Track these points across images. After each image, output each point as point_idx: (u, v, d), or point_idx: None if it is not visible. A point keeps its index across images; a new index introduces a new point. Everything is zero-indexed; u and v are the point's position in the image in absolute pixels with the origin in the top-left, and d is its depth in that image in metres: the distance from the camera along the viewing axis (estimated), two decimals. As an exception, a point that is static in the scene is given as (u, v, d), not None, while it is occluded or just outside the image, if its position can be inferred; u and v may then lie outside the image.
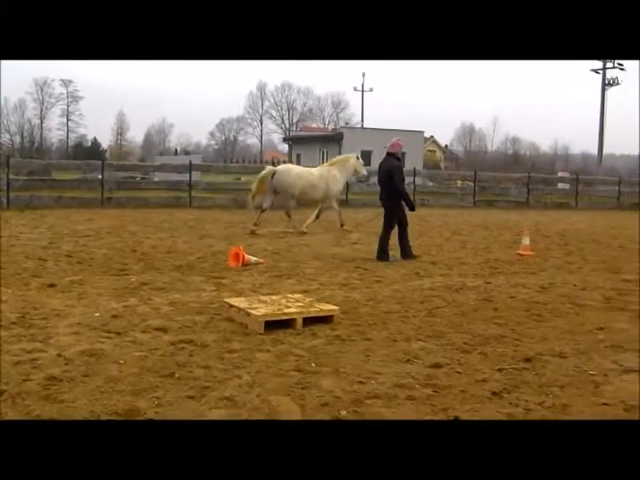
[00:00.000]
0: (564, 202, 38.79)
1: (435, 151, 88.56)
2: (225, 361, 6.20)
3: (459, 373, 6.07)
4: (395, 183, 13.24)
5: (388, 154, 13.74)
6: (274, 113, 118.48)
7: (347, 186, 27.52)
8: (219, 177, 36.32)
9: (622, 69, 56.48)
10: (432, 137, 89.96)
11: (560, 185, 43.06)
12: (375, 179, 16.94)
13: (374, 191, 18.20)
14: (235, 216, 23.27)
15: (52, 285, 9.58)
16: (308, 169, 20.12)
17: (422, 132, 57.45)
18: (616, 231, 22.60)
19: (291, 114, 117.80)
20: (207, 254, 13.47)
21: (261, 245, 15.38)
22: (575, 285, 10.87)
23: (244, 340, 6.95)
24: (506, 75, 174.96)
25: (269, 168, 19.86)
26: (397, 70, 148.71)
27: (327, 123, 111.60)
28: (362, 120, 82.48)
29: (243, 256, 11.92)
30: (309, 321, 7.55)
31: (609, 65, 55.84)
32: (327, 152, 53.17)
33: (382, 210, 13.74)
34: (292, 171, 19.00)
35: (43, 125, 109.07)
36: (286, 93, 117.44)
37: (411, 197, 14.26)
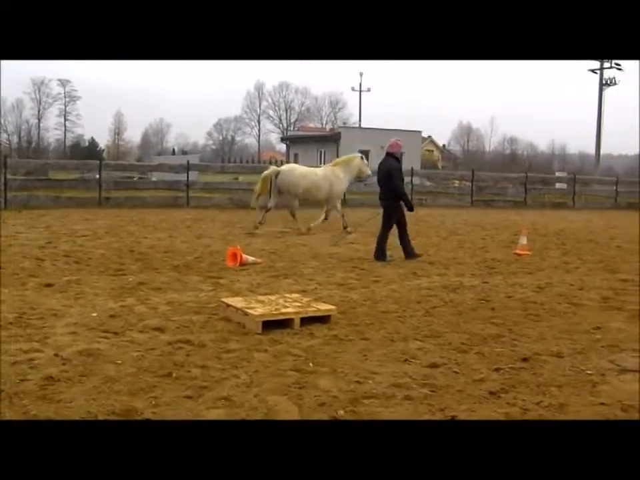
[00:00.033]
0: (561, 202, 38.85)
1: (432, 151, 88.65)
2: (222, 361, 6.20)
3: (456, 372, 6.07)
4: (394, 183, 13.24)
5: (387, 154, 13.74)
6: (271, 112, 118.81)
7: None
8: (217, 176, 36.21)
9: (619, 69, 56.64)
10: (430, 136, 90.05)
11: (557, 185, 43.12)
12: (372, 179, 16.99)
13: (371, 191, 18.23)
14: (232, 216, 23.27)
15: (49, 285, 9.57)
16: (312, 169, 20.13)
17: (420, 132, 57.50)
18: (613, 230, 22.62)
19: (288, 114, 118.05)
20: (204, 254, 13.47)
21: (259, 244, 15.38)
22: (572, 285, 10.88)
23: (241, 340, 6.95)
24: (503, 75, 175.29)
25: (272, 168, 19.88)
26: (394, 70, 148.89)
27: (324, 122, 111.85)
28: (359, 120, 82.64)
29: (241, 256, 11.92)
30: (307, 321, 7.54)
31: (607, 65, 55.89)
32: (324, 152, 53.21)
33: (380, 210, 13.75)
34: (296, 171, 19.00)
35: (41, 124, 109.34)
36: (284, 92, 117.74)
37: (409, 197, 14.24)
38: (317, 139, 58.37)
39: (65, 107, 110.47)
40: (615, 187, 40.80)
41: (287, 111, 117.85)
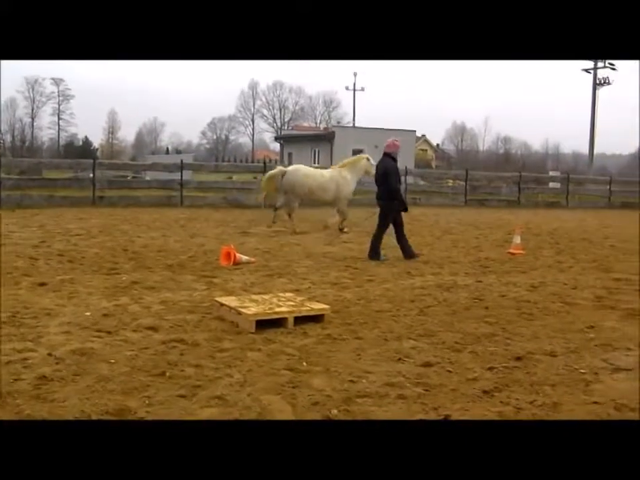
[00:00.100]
0: (555, 201, 38.91)
1: (426, 150, 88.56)
2: (216, 360, 6.20)
3: (449, 371, 6.08)
4: (390, 182, 13.26)
5: (385, 154, 13.76)
6: (265, 112, 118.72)
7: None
8: (211, 176, 36.18)
9: (613, 69, 56.62)
10: (424, 136, 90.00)
11: (551, 184, 43.13)
12: (369, 179, 17.04)
13: (368, 190, 18.23)
14: (226, 215, 23.27)
15: (43, 284, 9.56)
16: (319, 170, 20.17)
17: (414, 131, 57.48)
18: (607, 230, 22.66)
19: (282, 113, 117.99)
20: (198, 253, 13.46)
21: (253, 243, 15.38)
22: (565, 284, 10.90)
23: (235, 339, 6.95)
24: (497, 75, 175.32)
25: (279, 168, 19.89)
26: (388, 69, 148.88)
27: (318, 122, 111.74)
28: (353, 119, 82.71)
29: (235, 255, 11.92)
30: (300, 320, 7.55)
31: (600, 64, 55.95)
32: (318, 151, 53.20)
33: (377, 209, 13.77)
34: (300, 171, 19.00)
35: (34, 123, 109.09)
36: (278, 91, 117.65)
37: (403, 196, 14.25)
38: (310, 138, 58.31)
39: (59, 105, 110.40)
40: (608, 187, 40.88)
41: (281, 110, 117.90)
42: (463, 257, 14.15)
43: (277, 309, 7.56)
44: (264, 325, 7.31)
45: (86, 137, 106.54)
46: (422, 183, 39.64)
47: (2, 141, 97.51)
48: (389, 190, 13.28)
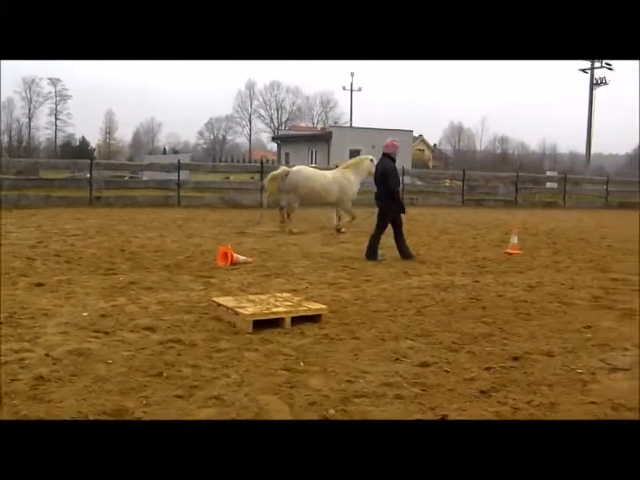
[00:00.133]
0: (552, 201, 38.92)
1: (423, 150, 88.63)
2: (213, 360, 6.20)
3: (447, 371, 6.08)
4: (388, 183, 13.28)
5: (383, 154, 13.78)
6: (263, 112, 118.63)
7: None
8: (208, 176, 36.17)
9: (610, 69, 56.67)
10: (421, 136, 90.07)
11: (548, 184, 43.16)
12: (368, 179, 17.08)
13: (368, 190, 18.26)
14: (223, 215, 23.27)
15: (40, 285, 9.55)
16: (322, 171, 20.17)
17: (411, 131, 57.50)
18: (604, 230, 22.68)
19: (279, 113, 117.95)
20: (195, 253, 13.46)
21: (250, 244, 15.38)
22: (562, 284, 10.91)
23: (232, 339, 6.95)
24: (495, 75, 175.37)
25: (282, 168, 19.89)
26: (385, 69, 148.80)
27: (315, 122, 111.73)
28: (351, 119, 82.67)
29: (232, 255, 11.92)
30: (298, 320, 7.55)
31: (597, 64, 55.99)
32: (315, 151, 53.21)
33: (375, 209, 13.78)
34: (302, 172, 19.02)
35: (31, 123, 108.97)
36: (275, 92, 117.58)
37: (400, 196, 14.24)
38: (308, 138, 58.29)
39: (56, 105, 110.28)
40: (605, 187, 40.89)
41: (278, 110, 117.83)
42: (460, 257, 14.16)
43: (274, 309, 7.56)
44: (261, 325, 7.30)
45: (83, 137, 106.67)
46: (419, 183, 39.64)
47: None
48: (387, 190, 13.30)
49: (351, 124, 76.67)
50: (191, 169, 36.05)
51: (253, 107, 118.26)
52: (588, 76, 57.19)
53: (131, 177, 40.37)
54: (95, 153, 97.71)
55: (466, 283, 10.78)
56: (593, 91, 57.04)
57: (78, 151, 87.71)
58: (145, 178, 37.23)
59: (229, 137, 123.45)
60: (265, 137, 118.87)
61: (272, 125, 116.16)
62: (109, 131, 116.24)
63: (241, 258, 12.21)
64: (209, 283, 10.16)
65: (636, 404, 5.26)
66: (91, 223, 19.17)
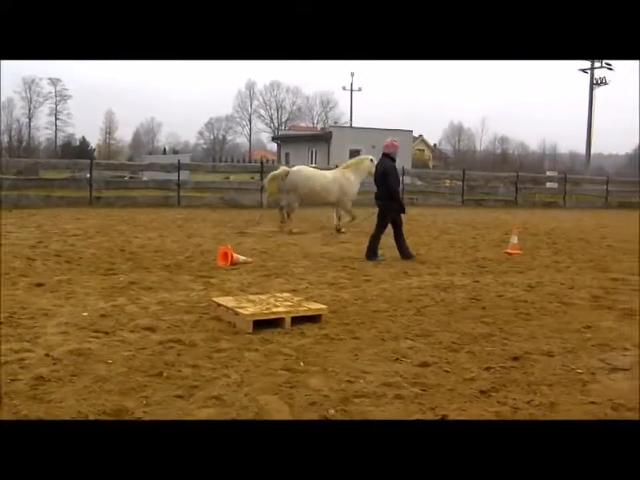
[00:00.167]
0: (552, 201, 38.93)
1: (423, 150, 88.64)
2: (213, 360, 6.20)
3: (447, 371, 6.08)
4: (388, 183, 13.28)
5: (384, 154, 13.78)
6: (263, 112, 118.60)
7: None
8: (208, 176, 36.17)
9: (610, 69, 56.66)
10: (421, 136, 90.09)
11: (548, 184, 43.17)
12: (368, 179, 17.09)
13: (367, 190, 18.27)
14: (223, 215, 23.27)
15: (40, 285, 9.55)
16: (322, 171, 20.17)
17: (411, 131, 57.48)
18: (604, 230, 22.68)
19: (279, 113, 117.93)
20: (195, 253, 13.46)
21: (250, 244, 15.38)
22: (562, 284, 10.91)
23: (232, 339, 6.95)
24: (495, 75, 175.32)
25: (282, 168, 19.88)
26: (385, 69, 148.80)
27: (315, 122, 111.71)
28: (351, 119, 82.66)
29: (232, 255, 11.92)
30: (298, 320, 7.55)
31: (597, 64, 55.98)
32: (315, 151, 53.20)
33: (375, 209, 13.78)
34: (302, 172, 19.02)
35: (31, 123, 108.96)
36: (275, 92, 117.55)
37: (400, 196, 14.23)
38: (308, 138, 58.29)
39: (56, 105, 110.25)
40: (605, 187, 40.90)
41: (278, 110, 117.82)
42: (460, 257, 14.16)
43: (274, 309, 7.56)
44: (261, 325, 7.31)
45: (83, 137, 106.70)
46: (419, 183, 39.64)
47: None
48: (387, 190, 13.30)
49: (351, 124, 76.68)
50: (191, 169, 36.07)
51: (253, 107, 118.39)
52: (588, 76, 57.21)
53: (130, 177, 40.36)
54: (95, 153, 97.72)
55: (466, 283, 10.78)
56: (593, 91, 57.04)
57: (78, 151, 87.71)
58: (144, 178, 37.21)
59: (228, 137, 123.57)
60: (265, 137, 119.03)
61: (272, 125, 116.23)
62: (109, 131, 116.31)
63: (241, 258, 12.22)
64: (209, 283, 10.17)
65: (636, 404, 5.26)
66: (91, 223, 19.17)
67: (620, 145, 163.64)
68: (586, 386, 5.77)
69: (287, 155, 57.88)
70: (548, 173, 58.42)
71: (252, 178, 35.29)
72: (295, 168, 19.72)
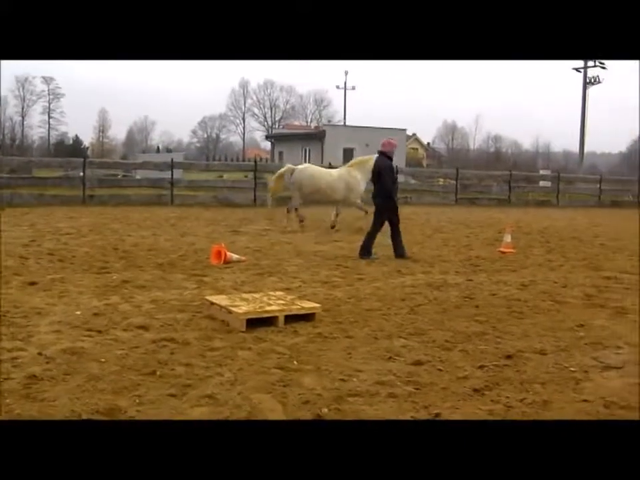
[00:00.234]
0: (545, 200, 38.99)
1: (417, 149, 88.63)
2: (206, 359, 6.20)
3: (440, 370, 6.09)
4: (383, 182, 13.30)
5: (380, 153, 13.78)
6: (256, 110, 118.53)
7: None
8: (201, 174, 36.15)
9: (603, 68, 56.75)
10: (414, 134, 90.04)
11: (541, 183, 43.21)
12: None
13: (366, 189, 18.30)
14: (216, 214, 23.25)
15: (33, 283, 9.53)
16: (327, 169, 20.17)
17: (404, 130, 57.47)
18: (597, 228, 22.72)
19: (273, 112, 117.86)
20: (188, 252, 13.45)
21: (243, 242, 15.37)
22: (555, 282, 10.93)
23: (225, 338, 6.95)
24: (488, 74, 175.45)
25: (288, 166, 19.85)
26: (379, 68, 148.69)
27: (309, 120, 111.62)
28: (344, 118, 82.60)
29: (225, 253, 11.92)
30: (291, 319, 7.55)
31: (590, 63, 56.05)
32: (309, 150, 53.16)
33: (372, 208, 13.79)
34: (307, 171, 19.00)
35: (24, 122, 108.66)
36: (268, 90, 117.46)
37: (394, 195, 14.23)
38: (301, 136, 58.25)
39: (49, 104, 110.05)
40: (598, 185, 40.98)
41: (271, 108, 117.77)
42: (454, 256, 14.17)
43: (268, 308, 7.57)
44: (254, 323, 7.31)
45: (76, 135, 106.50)
46: (413, 181, 39.65)
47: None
48: (384, 189, 13.31)
49: (344, 122, 76.71)
50: (184, 167, 36.02)
51: (247, 105, 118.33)
52: (581, 75, 57.29)
53: (124, 176, 40.35)
54: (88, 152, 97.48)
55: (459, 281, 10.79)
56: (586, 90, 57.12)
57: (71, 150, 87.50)
58: (138, 176, 37.22)
59: (222, 136, 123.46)
60: (259, 135, 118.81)
61: (266, 123, 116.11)
62: (102, 129, 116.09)
63: (235, 256, 12.21)
64: (202, 281, 10.16)
65: (628, 402, 5.28)
66: (84, 221, 19.14)
67: (613, 143, 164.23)
68: (579, 384, 5.79)
69: (280, 153, 57.87)
70: (541, 172, 58.48)
71: (245, 177, 35.24)
72: (300, 166, 19.70)
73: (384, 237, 13.63)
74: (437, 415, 4.96)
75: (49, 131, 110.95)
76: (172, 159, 31.12)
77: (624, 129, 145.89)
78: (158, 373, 5.74)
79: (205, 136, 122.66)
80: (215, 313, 7.77)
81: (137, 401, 5.09)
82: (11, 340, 6.57)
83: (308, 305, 7.92)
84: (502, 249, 15.00)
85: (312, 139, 54.46)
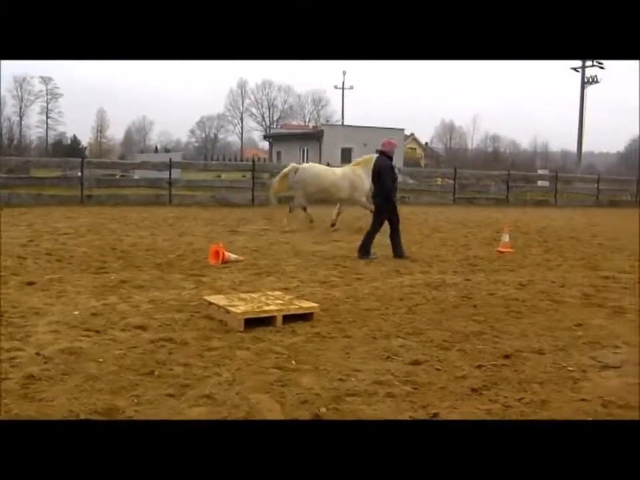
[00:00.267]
0: (543, 199, 39.02)
1: (415, 149, 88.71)
2: (204, 359, 6.20)
3: (438, 369, 6.09)
4: (383, 181, 13.31)
5: (380, 152, 13.80)
6: (254, 110, 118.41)
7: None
8: (199, 174, 36.15)
9: (601, 68, 56.70)
10: (412, 134, 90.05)
11: (539, 183, 43.20)
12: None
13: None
14: (215, 214, 23.24)
15: (31, 283, 9.53)
16: (332, 168, 20.15)
17: (402, 129, 57.42)
18: (595, 228, 22.73)
19: (271, 111, 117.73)
20: (186, 252, 13.44)
21: (241, 242, 15.37)
22: (553, 282, 10.93)
23: (224, 337, 6.95)
24: (486, 73, 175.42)
25: (292, 165, 19.84)
26: (377, 68, 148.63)
27: (307, 120, 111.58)
28: (342, 117, 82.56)
29: (223, 253, 11.91)
30: (289, 319, 7.55)
31: (588, 63, 56.04)
32: (307, 149, 53.14)
33: (372, 207, 13.81)
34: (312, 169, 19.00)
35: (22, 122, 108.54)
36: (266, 90, 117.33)
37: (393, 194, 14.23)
38: (299, 136, 58.22)
39: (47, 104, 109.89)
40: (596, 185, 41.02)
41: (269, 108, 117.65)
42: (452, 256, 14.18)
43: (266, 308, 7.56)
44: (253, 323, 7.30)
45: (74, 135, 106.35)
46: (411, 181, 39.64)
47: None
48: (383, 188, 13.33)
49: (342, 122, 76.65)
50: (182, 167, 36.01)
51: (245, 105, 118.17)
52: (579, 74, 57.27)
53: (122, 176, 40.37)
54: (87, 152, 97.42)
55: (457, 281, 10.80)
56: (584, 90, 57.12)
57: (69, 150, 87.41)
58: (136, 176, 37.21)
59: (220, 136, 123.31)
60: (257, 135, 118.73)
61: (264, 123, 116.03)
62: (100, 129, 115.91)
63: (233, 256, 12.21)
64: (200, 281, 10.16)
65: (626, 401, 5.28)
66: (82, 221, 19.13)
67: (611, 143, 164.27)
68: (577, 383, 5.79)
69: (278, 153, 57.85)
70: (539, 171, 58.44)
71: (243, 176, 35.25)
72: (304, 165, 19.67)
73: (383, 237, 13.63)
74: (435, 414, 4.96)
75: (46, 131, 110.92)
76: (170, 159, 31.06)
77: (622, 128, 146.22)
78: (156, 372, 5.74)
79: (203, 136, 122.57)
80: (213, 313, 7.77)
81: (135, 400, 5.09)
82: (8, 340, 6.56)
83: (306, 305, 7.92)
84: (500, 249, 15.00)
85: (310, 138, 54.43)
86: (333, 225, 18.57)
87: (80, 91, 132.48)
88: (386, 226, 13.45)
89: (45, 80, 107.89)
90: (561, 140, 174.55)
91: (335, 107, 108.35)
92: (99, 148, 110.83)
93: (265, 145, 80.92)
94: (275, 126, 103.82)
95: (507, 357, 6.51)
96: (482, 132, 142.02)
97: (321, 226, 18.95)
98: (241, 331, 7.13)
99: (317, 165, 20.69)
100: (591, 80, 56.94)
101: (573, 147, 63.44)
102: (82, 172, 27.41)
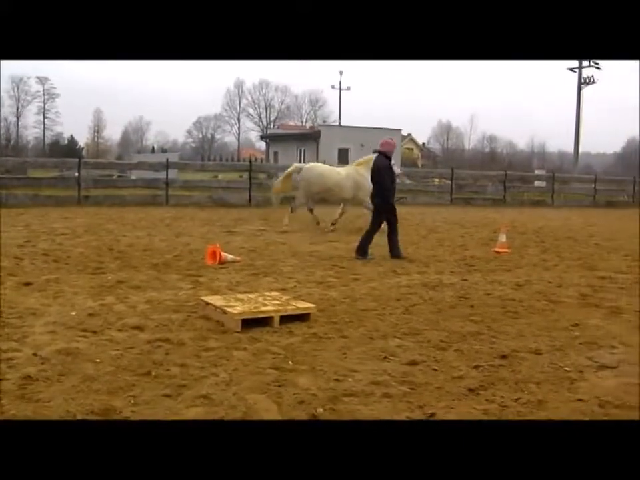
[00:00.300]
0: (540, 199, 38.99)
1: (412, 149, 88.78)
2: (201, 359, 6.20)
3: (435, 370, 6.09)
4: (382, 182, 13.31)
5: (379, 152, 13.82)
6: (251, 110, 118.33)
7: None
8: (196, 174, 36.14)
9: (598, 68, 56.76)
10: (409, 134, 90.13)
11: (536, 183, 43.24)
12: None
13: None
14: (211, 214, 23.23)
15: (28, 284, 9.52)
16: (336, 168, 20.13)
17: (399, 130, 57.49)
18: (592, 228, 22.75)
19: (268, 112, 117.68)
20: (183, 252, 13.43)
21: (238, 242, 15.36)
22: (550, 282, 10.94)
23: (220, 338, 6.95)
24: (483, 73, 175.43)
25: (295, 165, 19.81)
26: (374, 68, 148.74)
27: (304, 120, 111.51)
28: (339, 118, 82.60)
29: (220, 254, 11.91)
30: (286, 319, 7.55)
31: (585, 63, 56.10)
32: (304, 150, 53.17)
33: (372, 207, 13.81)
34: (316, 169, 18.95)
35: (19, 122, 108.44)
36: (263, 90, 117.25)
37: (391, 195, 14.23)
38: (296, 137, 58.27)
39: (44, 104, 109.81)
40: (593, 185, 41.04)
41: (266, 109, 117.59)
42: (449, 256, 14.18)
43: (263, 308, 7.56)
44: (249, 323, 7.30)
45: (71, 135, 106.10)
46: (408, 181, 39.60)
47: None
48: (382, 188, 13.34)
49: (339, 122, 76.73)
50: (179, 167, 35.99)
51: (242, 105, 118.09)
52: (576, 75, 57.33)
53: (119, 176, 40.31)
54: (83, 152, 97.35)
55: (454, 281, 10.80)
56: (581, 90, 57.17)
57: (66, 150, 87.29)
58: (133, 177, 37.11)
59: (217, 136, 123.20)
60: (254, 135, 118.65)
61: (261, 123, 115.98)
62: (97, 129, 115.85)
63: (230, 257, 12.21)
64: (197, 281, 10.16)
65: (622, 401, 5.29)
66: (79, 222, 19.10)
67: (608, 144, 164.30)
68: (573, 384, 5.79)
69: (275, 153, 57.91)
70: (536, 172, 58.60)
71: (240, 177, 35.23)
72: (308, 165, 19.66)
73: (381, 237, 13.64)
74: (432, 414, 4.97)
75: (43, 131, 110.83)
76: (167, 159, 30.99)
77: (619, 129, 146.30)
78: (153, 373, 5.74)
79: (200, 136, 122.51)
80: (210, 314, 7.76)
81: (132, 401, 5.09)
82: (5, 341, 6.56)
83: (303, 305, 7.92)
84: (497, 249, 15.01)
85: (307, 139, 54.49)
86: (333, 225, 18.55)
87: (79, 91, 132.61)
88: (385, 226, 13.46)
89: (42, 80, 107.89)
90: (558, 140, 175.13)
91: (332, 108, 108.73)
92: (96, 148, 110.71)
93: (262, 145, 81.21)
94: (272, 126, 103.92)
95: (503, 357, 6.52)
96: (479, 132, 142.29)
97: (321, 227, 18.94)
98: (238, 332, 7.13)
99: (320, 164, 20.66)
100: (587, 80, 57.00)
101: (570, 148, 63.41)
102: (79, 172, 27.36)
